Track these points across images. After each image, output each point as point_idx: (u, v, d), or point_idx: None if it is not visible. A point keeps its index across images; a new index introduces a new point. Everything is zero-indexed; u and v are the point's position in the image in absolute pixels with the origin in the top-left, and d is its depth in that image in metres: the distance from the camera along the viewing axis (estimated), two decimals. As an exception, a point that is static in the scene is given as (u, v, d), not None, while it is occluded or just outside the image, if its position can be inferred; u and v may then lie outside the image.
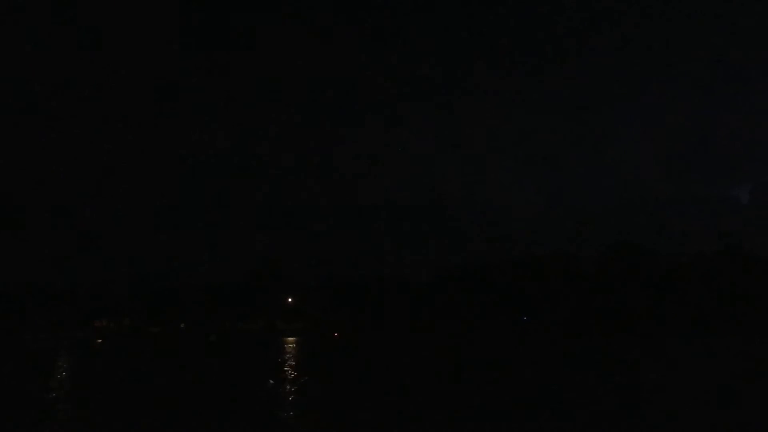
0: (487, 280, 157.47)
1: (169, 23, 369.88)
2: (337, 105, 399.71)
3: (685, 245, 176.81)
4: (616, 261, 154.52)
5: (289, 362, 68.58)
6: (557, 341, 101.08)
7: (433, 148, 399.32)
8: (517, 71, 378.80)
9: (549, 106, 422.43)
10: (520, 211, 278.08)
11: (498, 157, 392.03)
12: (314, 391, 41.80)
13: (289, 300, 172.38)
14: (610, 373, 51.29)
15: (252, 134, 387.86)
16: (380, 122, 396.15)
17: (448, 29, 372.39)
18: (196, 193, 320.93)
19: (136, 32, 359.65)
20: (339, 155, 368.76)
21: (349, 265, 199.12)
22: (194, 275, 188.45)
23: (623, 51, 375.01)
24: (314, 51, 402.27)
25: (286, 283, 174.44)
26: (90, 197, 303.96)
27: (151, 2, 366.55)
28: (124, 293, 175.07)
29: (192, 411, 33.52)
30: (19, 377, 57.83)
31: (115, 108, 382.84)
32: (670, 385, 41.58)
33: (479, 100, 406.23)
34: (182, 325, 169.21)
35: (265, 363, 69.52)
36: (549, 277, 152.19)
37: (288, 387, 43.06)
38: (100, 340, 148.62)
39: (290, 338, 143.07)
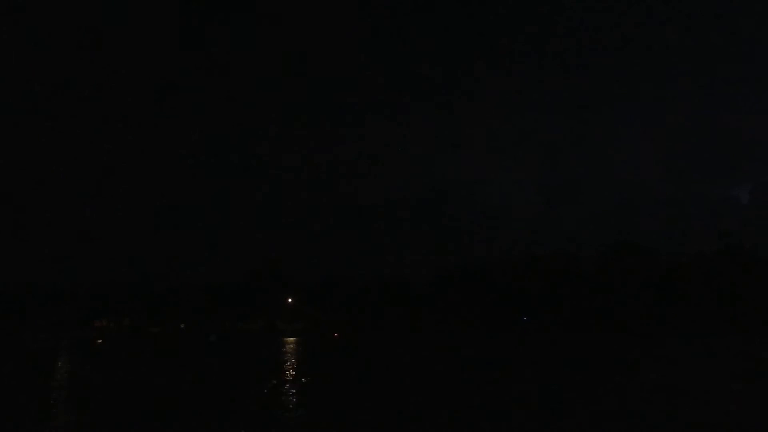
0: (487, 280, 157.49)
1: (169, 23, 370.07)
2: (337, 105, 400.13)
3: (685, 245, 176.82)
4: (616, 261, 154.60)
5: (289, 362, 68.60)
6: (557, 341, 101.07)
7: (433, 148, 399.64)
8: (517, 71, 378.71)
9: (549, 106, 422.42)
10: (520, 211, 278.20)
11: (498, 157, 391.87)
12: (314, 391, 41.81)
13: (289, 300, 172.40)
14: (610, 373, 51.28)
15: (252, 134, 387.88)
16: (380, 122, 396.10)
17: (448, 29, 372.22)
18: (196, 193, 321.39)
19: (136, 32, 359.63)
20: (339, 155, 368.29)
21: (349, 265, 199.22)
22: (194, 275, 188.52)
23: (623, 51, 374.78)
24: (314, 51, 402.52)
25: (286, 283, 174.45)
26: (90, 197, 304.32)
27: (151, 2, 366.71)
28: (124, 293, 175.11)
29: (192, 411, 33.52)
30: (19, 377, 57.82)
31: (115, 108, 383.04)
32: (670, 385, 41.57)
33: (479, 100, 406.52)
34: (182, 325, 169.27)
35: (265, 363, 69.53)
36: (549, 277, 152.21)
37: (288, 387, 43.07)
38: (100, 340, 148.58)
39: (290, 338, 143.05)
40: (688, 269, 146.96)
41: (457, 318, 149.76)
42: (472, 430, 26.78)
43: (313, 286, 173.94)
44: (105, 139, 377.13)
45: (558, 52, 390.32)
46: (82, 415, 32.54)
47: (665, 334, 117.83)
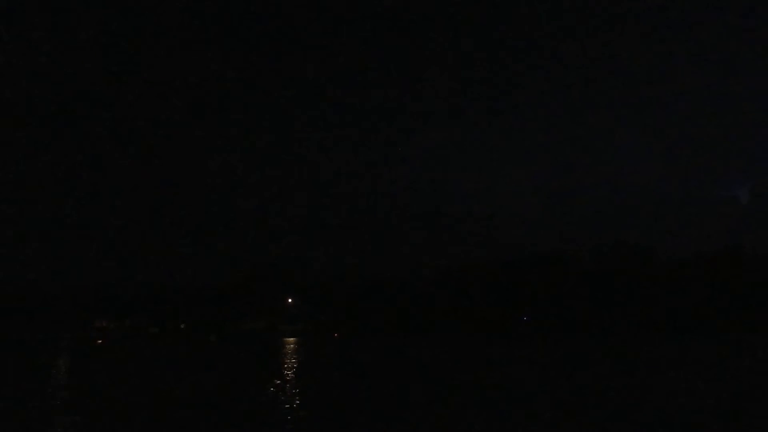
0: (487, 280, 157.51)
1: (170, 25, 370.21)
2: (338, 105, 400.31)
3: (685, 245, 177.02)
4: (616, 261, 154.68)
5: (289, 363, 68.61)
6: (557, 341, 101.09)
7: (433, 148, 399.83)
8: (517, 71, 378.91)
9: (549, 107, 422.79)
10: (520, 211, 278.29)
11: (498, 157, 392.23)
12: (314, 391, 41.82)
13: (289, 300, 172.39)
14: (611, 373, 51.29)
15: (252, 134, 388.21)
16: (381, 122, 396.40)
17: (448, 29, 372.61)
18: (196, 194, 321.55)
19: (136, 32, 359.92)
20: (341, 156, 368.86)
21: (349, 265, 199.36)
22: (194, 275, 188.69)
23: (623, 51, 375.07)
24: (315, 51, 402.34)
25: (286, 283, 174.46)
26: (90, 197, 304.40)
27: (154, 3, 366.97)
28: (124, 293, 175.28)
29: (192, 412, 33.53)
30: (19, 377, 57.84)
31: (116, 108, 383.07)
32: (670, 385, 41.59)
33: (480, 100, 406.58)
34: (182, 325, 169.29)
35: (265, 363, 69.54)
36: (549, 277, 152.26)
37: (288, 387, 43.08)
38: (100, 340, 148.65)
39: (290, 339, 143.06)
40: (688, 269, 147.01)
41: (457, 318, 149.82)
42: (472, 430, 26.80)
43: (313, 286, 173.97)
44: (105, 139, 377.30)
45: (558, 51, 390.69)
46: (82, 415, 32.54)
47: (665, 333, 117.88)
